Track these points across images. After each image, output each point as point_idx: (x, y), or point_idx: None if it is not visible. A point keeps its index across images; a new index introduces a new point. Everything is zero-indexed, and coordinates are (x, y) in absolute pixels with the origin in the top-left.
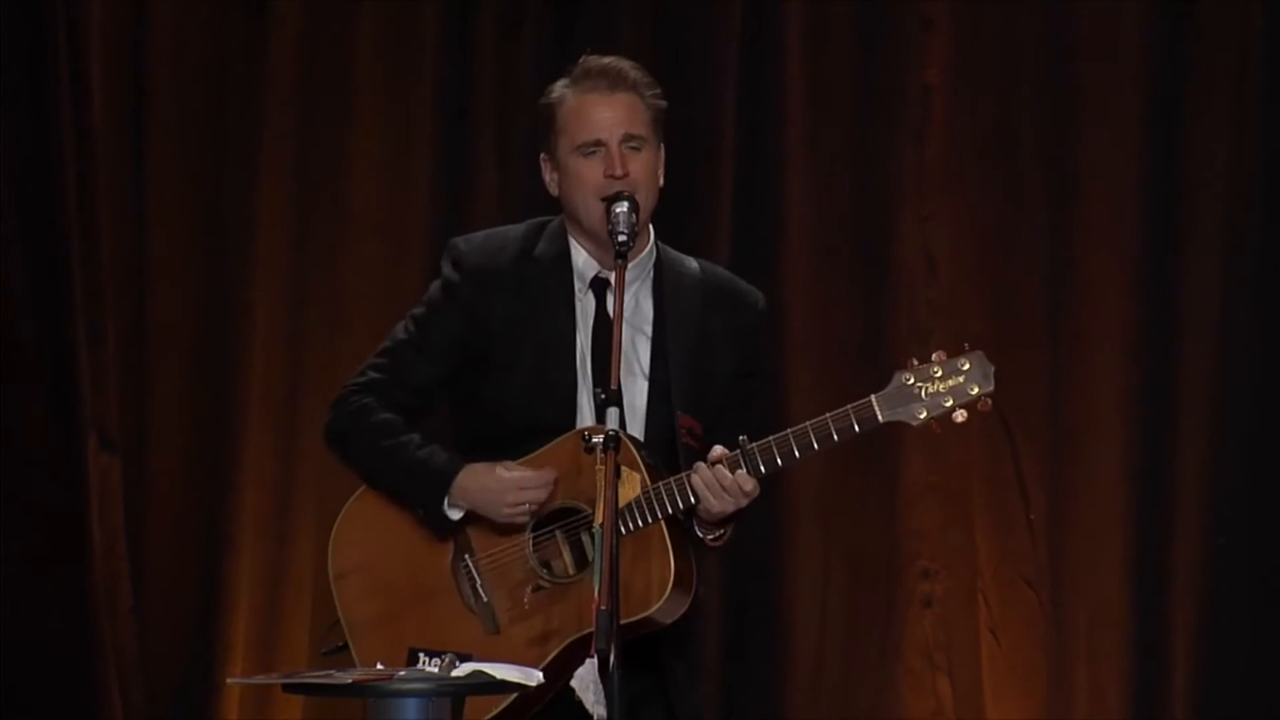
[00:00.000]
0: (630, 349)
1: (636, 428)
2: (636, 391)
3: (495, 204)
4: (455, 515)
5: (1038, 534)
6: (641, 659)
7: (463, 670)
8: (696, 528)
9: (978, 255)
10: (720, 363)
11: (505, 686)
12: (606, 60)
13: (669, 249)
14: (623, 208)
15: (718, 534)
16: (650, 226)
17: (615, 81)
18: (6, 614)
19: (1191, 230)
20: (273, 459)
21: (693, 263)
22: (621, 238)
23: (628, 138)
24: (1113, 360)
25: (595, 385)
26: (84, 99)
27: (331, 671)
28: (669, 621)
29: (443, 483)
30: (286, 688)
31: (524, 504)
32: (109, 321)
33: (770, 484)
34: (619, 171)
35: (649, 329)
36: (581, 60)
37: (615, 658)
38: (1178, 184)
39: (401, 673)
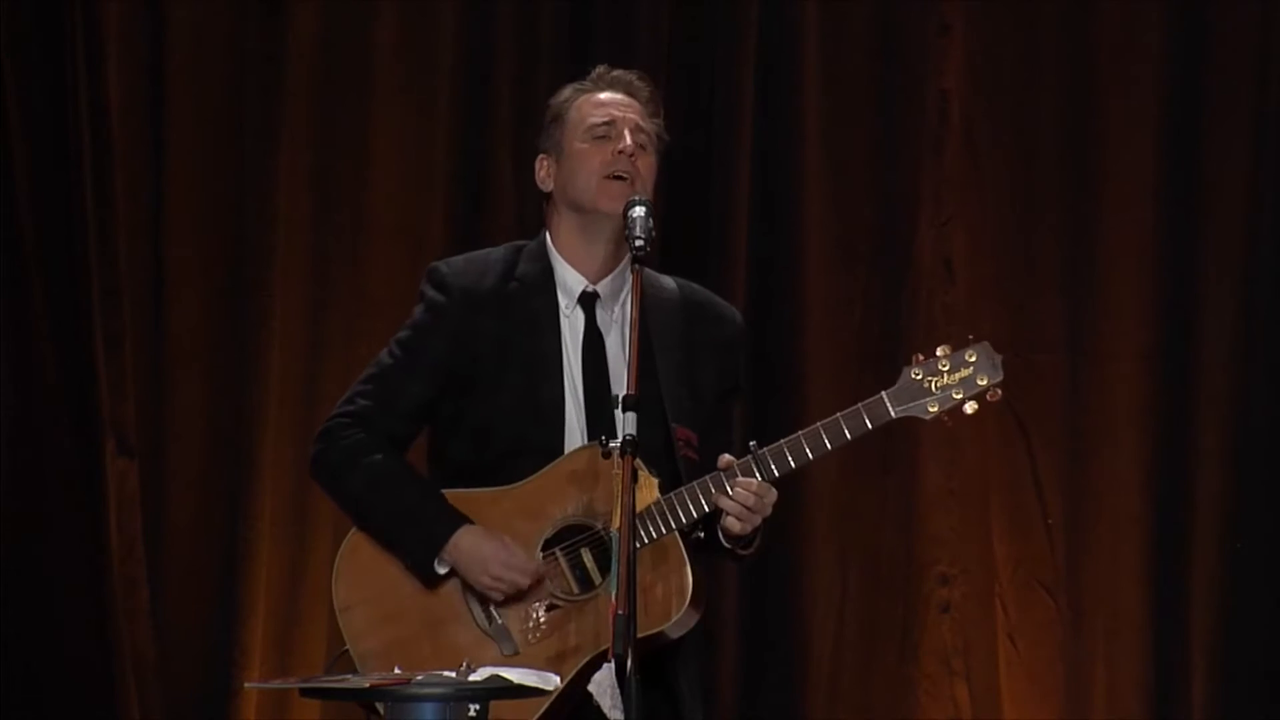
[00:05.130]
0: (621, 362)
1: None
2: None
3: (513, 208)
4: (442, 570)
5: (1055, 539)
6: (652, 672)
7: (479, 675)
8: (723, 539)
9: (995, 260)
10: (706, 375)
11: (521, 691)
12: (619, 71)
13: (646, 268)
14: (639, 211)
15: (745, 542)
16: None
17: (630, 87)
18: (25, 618)
19: (1210, 235)
20: (290, 464)
21: (670, 280)
22: (639, 242)
23: (639, 129)
24: (1130, 365)
25: (586, 401)
26: (101, 105)
27: (348, 676)
28: (678, 635)
29: (437, 541)
30: (304, 692)
31: (504, 583)
32: (127, 326)
33: (787, 489)
34: (629, 148)
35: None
36: (595, 70)
37: (632, 663)
38: (1197, 188)
39: (419, 677)
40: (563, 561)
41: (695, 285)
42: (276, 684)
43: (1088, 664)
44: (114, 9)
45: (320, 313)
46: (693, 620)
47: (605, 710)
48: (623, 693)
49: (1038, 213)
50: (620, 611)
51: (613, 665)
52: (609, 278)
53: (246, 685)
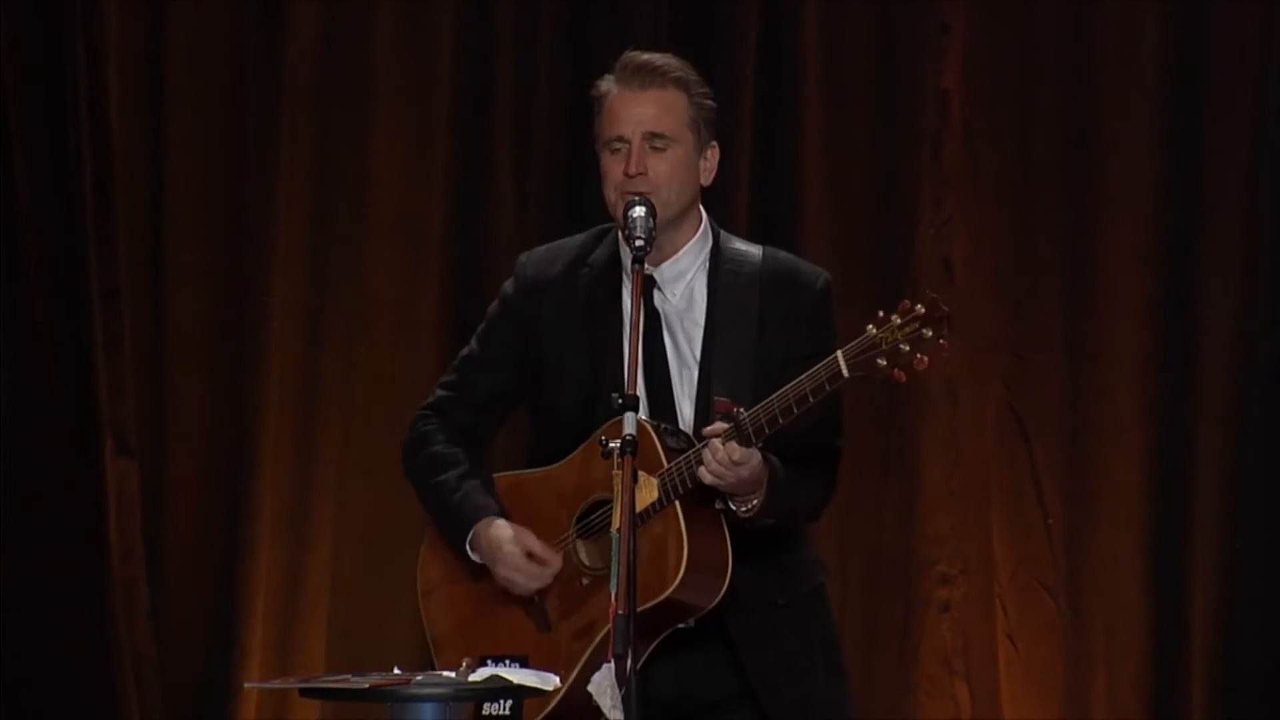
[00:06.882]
0: (684, 340)
1: (688, 415)
2: (689, 380)
3: (513, 208)
4: (478, 559)
5: (1055, 539)
6: (721, 663)
7: (480, 675)
8: (730, 504)
9: (994, 260)
10: (776, 348)
11: (520, 691)
12: (646, 56)
13: (732, 237)
14: (638, 211)
15: (748, 507)
16: (704, 215)
17: (648, 79)
18: (25, 618)
19: (1210, 235)
20: (290, 463)
21: (756, 250)
22: (638, 242)
23: (651, 136)
24: (1130, 365)
25: (646, 383)
26: (101, 105)
27: (348, 676)
28: (709, 604)
29: (463, 533)
30: (304, 692)
31: (510, 580)
32: (126, 326)
33: None
34: (633, 169)
35: (702, 319)
36: (624, 55)
37: (632, 663)
38: (1196, 189)
39: (418, 677)
40: (599, 533)
41: (781, 254)
42: (276, 684)
43: (1087, 664)
44: (114, 9)
45: (320, 313)
46: (710, 587)
47: (605, 711)
48: (622, 693)
49: (1038, 213)
50: (620, 612)
51: (612, 665)
52: (669, 262)
53: (246, 685)
